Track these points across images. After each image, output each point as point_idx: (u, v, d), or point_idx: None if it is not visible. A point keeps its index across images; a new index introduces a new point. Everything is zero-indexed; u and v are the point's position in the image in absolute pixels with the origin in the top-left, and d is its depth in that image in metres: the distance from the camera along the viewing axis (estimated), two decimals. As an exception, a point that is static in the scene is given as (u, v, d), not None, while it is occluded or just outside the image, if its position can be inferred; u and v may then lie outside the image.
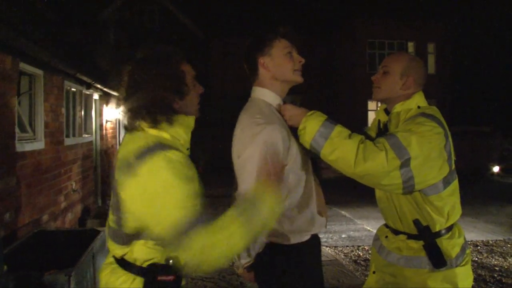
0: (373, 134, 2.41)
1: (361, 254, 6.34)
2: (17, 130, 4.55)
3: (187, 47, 21.16)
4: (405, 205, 2.18)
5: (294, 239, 1.99)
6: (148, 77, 1.65)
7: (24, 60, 4.67)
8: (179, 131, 1.69)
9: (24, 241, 3.98)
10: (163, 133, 1.67)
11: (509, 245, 6.75)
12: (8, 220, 4.19)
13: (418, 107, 2.21)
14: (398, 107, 2.25)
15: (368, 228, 8.00)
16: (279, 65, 2.04)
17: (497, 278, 5.26)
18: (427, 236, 2.14)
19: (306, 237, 2.02)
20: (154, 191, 1.53)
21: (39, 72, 5.23)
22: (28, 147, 4.84)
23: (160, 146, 1.61)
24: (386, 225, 2.38)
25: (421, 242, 2.15)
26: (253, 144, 1.86)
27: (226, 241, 1.53)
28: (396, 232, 2.28)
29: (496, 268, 5.67)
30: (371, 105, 22.11)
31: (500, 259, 6.07)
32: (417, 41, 22.42)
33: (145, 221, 1.58)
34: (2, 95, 4.13)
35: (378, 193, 2.37)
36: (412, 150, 1.95)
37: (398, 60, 2.31)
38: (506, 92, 24.68)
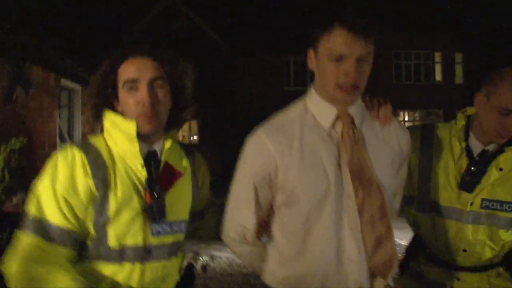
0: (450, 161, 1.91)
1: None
2: (58, 140, 4.97)
3: (213, 62, 21.82)
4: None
5: None
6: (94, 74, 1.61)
7: (65, 77, 5.11)
8: (117, 134, 1.52)
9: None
10: (107, 130, 1.56)
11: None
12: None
13: None
14: None
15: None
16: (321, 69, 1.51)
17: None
18: None
19: None
20: None
21: (78, 87, 5.67)
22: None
23: (80, 142, 1.63)
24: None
25: None
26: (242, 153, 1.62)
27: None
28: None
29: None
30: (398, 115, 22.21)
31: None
32: (444, 51, 22.40)
33: None
34: (46, 109, 4.54)
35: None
36: None
37: None
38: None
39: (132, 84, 1.51)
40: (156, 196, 1.50)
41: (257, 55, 21.63)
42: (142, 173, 1.51)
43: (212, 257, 5.99)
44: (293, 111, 1.59)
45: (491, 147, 1.86)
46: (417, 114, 23.47)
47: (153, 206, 1.50)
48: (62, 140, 5.37)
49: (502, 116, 1.75)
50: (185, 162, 1.68)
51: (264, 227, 1.64)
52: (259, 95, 21.49)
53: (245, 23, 22.45)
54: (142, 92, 1.49)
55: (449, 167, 1.89)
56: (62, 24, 6.86)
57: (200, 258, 5.96)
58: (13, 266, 1.40)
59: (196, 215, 1.80)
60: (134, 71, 1.51)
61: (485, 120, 1.82)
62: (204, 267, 5.60)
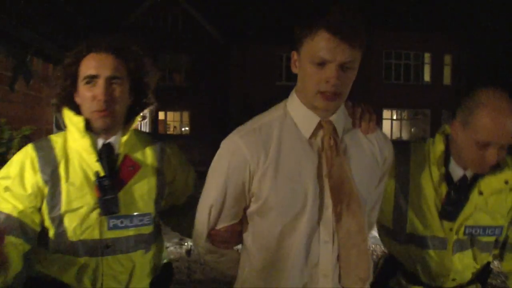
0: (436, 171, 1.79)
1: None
2: (54, 128, 5.25)
3: (207, 54, 21.96)
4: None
5: None
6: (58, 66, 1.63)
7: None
8: (72, 130, 1.56)
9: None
10: (68, 126, 1.60)
11: None
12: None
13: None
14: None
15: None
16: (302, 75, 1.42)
17: None
18: None
19: None
20: None
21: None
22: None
23: (41, 139, 1.63)
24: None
25: None
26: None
27: None
28: None
29: None
30: (386, 113, 22.56)
31: None
32: (433, 52, 22.71)
33: None
34: (45, 98, 4.83)
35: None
36: None
37: None
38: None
39: (91, 79, 1.51)
40: (107, 190, 1.49)
41: (250, 49, 21.81)
42: (96, 167, 1.52)
43: (196, 243, 6.19)
44: (272, 115, 1.49)
45: (470, 172, 1.73)
46: (405, 113, 23.76)
47: (104, 200, 1.49)
48: (58, 128, 5.69)
49: (480, 149, 1.60)
50: (149, 155, 1.65)
51: (237, 235, 1.54)
52: (252, 89, 21.68)
53: (240, 16, 22.61)
54: (99, 88, 1.50)
55: (427, 195, 1.75)
56: (61, 16, 6.99)
57: (185, 243, 6.26)
58: None
59: (175, 209, 1.79)
60: (94, 67, 1.52)
61: (463, 150, 1.68)
62: (189, 252, 5.88)
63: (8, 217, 1.47)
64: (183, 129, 24.11)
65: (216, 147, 1.51)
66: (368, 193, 1.49)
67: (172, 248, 6.37)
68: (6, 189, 1.49)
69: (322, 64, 1.32)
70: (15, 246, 1.44)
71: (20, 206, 1.48)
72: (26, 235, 1.48)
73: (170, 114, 23.94)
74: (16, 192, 1.49)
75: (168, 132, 23.53)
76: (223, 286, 4.80)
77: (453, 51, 22.73)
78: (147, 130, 18.22)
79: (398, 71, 22.87)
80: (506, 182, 1.72)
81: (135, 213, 1.57)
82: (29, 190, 1.49)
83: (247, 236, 1.51)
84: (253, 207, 1.47)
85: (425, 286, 1.82)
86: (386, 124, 22.23)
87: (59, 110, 1.59)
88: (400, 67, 22.86)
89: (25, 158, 1.52)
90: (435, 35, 22.08)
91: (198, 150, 22.24)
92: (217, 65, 22.11)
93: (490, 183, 1.72)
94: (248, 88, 22.08)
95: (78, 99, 1.55)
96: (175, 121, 24.51)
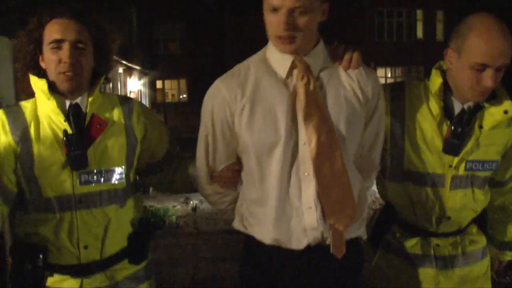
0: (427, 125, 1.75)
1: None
2: None
3: (202, 22, 22.00)
4: None
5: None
6: (22, 31, 1.64)
7: None
8: (38, 94, 1.62)
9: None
10: (35, 90, 1.64)
11: None
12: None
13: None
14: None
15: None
16: None
17: None
18: None
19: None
20: None
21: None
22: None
23: (11, 105, 1.68)
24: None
25: None
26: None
27: None
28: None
29: None
30: (380, 71, 22.56)
31: None
32: (425, 8, 22.65)
33: None
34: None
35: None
36: None
37: None
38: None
39: (57, 44, 1.55)
40: (74, 146, 1.54)
41: (244, 14, 21.91)
42: (64, 126, 1.57)
43: (201, 200, 6.56)
44: (252, 59, 1.60)
45: (469, 105, 1.70)
46: (399, 71, 23.90)
47: (73, 155, 1.54)
48: None
49: (476, 73, 1.57)
50: (117, 113, 1.69)
51: (237, 174, 1.63)
52: (246, 53, 21.80)
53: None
54: (65, 52, 1.54)
55: (427, 130, 1.72)
56: None
57: (191, 201, 6.83)
58: None
59: (154, 165, 1.83)
60: (59, 32, 1.56)
61: (459, 78, 1.65)
62: (194, 208, 6.41)
63: None
64: (181, 96, 24.23)
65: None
66: (350, 130, 1.51)
67: (179, 207, 6.88)
68: None
69: (275, 10, 1.41)
70: None
71: None
72: (4, 195, 1.56)
73: (167, 82, 24.01)
74: None
75: (166, 100, 23.60)
76: (226, 235, 5.25)
77: (445, 6, 22.73)
78: (146, 99, 18.55)
79: (391, 29, 22.92)
80: (506, 112, 1.68)
81: (107, 168, 1.62)
82: (2, 151, 1.54)
83: (241, 174, 1.61)
84: (238, 145, 1.56)
85: (421, 234, 1.80)
86: (380, 82, 22.58)
87: (24, 75, 1.63)
88: (393, 25, 22.91)
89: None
90: None
91: (197, 116, 22.61)
92: (212, 32, 22.13)
93: (489, 114, 1.69)
94: (243, 53, 22.07)
95: (43, 63, 1.60)
96: (172, 89, 24.55)
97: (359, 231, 1.60)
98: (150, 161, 1.81)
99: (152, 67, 14.90)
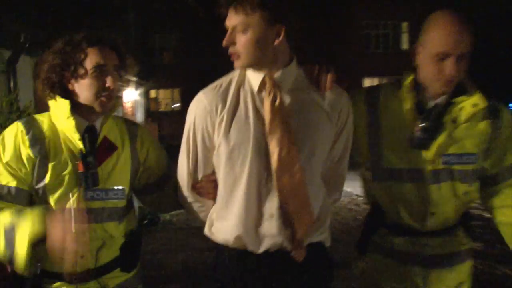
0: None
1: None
2: None
3: (195, 29, 22.22)
4: None
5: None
6: (49, 52, 1.67)
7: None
8: (57, 112, 1.65)
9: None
10: (51, 108, 1.68)
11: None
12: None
13: None
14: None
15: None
16: None
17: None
18: None
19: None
20: None
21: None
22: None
23: (27, 117, 1.71)
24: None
25: None
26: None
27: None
28: None
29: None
30: (367, 82, 22.92)
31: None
32: (410, 21, 22.94)
33: None
34: None
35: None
36: None
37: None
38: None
39: (100, 69, 1.60)
40: (89, 165, 1.61)
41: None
42: (79, 145, 1.62)
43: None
44: (234, 74, 1.66)
45: (441, 100, 1.76)
46: (385, 81, 24.23)
47: (86, 174, 1.60)
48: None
49: (439, 62, 1.65)
50: (125, 137, 1.76)
51: (216, 187, 1.67)
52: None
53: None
54: (110, 78, 1.62)
55: (400, 127, 1.78)
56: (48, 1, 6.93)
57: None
58: None
59: (150, 186, 1.88)
60: (103, 58, 1.61)
61: (425, 71, 1.72)
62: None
63: (18, 190, 1.61)
64: (174, 105, 24.35)
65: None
66: (316, 147, 1.58)
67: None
68: (7, 164, 1.60)
69: (227, 29, 1.56)
70: None
71: (21, 177, 1.61)
72: (27, 203, 1.63)
73: (161, 92, 24.13)
74: (15, 166, 1.60)
75: (160, 109, 23.68)
76: None
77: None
78: (141, 109, 18.98)
79: (377, 40, 23.44)
80: (475, 105, 1.73)
81: (111, 187, 1.68)
82: (24, 161, 1.60)
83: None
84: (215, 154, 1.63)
85: (408, 234, 1.83)
86: None
87: (49, 94, 1.66)
88: (379, 36, 23.44)
89: (16, 135, 1.61)
90: (411, 5, 22.54)
91: None
92: (205, 43, 22.62)
93: (461, 108, 1.74)
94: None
95: (71, 85, 1.64)
96: (166, 98, 24.66)
97: (321, 236, 1.67)
98: (147, 182, 1.87)
99: (148, 78, 15.31)
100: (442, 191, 1.77)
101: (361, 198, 7.71)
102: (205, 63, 22.61)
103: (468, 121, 1.75)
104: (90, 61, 1.61)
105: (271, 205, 1.57)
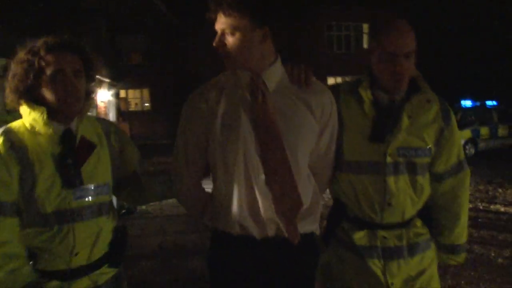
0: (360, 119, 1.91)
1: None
2: None
3: (163, 31, 22.33)
4: None
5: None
6: (13, 61, 1.66)
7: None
8: (31, 119, 1.64)
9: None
10: (24, 115, 1.66)
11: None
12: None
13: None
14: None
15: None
16: None
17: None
18: None
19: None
20: None
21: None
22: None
23: (4, 127, 1.67)
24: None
25: None
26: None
27: None
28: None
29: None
30: (330, 80, 23.30)
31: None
32: (370, 23, 23.43)
33: None
34: None
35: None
36: None
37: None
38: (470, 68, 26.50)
39: (58, 74, 1.59)
40: (70, 167, 1.63)
41: (204, 28, 22.10)
42: (58, 149, 1.63)
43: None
44: (224, 74, 1.75)
45: (398, 97, 1.84)
46: (348, 79, 24.46)
47: (70, 175, 1.62)
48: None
49: (389, 62, 1.76)
50: (101, 134, 1.78)
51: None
52: (209, 63, 22.14)
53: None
54: (68, 81, 1.60)
55: (360, 122, 1.85)
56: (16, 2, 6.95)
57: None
58: None
59: (122, 180, 1.91)
60: (59, 63, 1.60)
61: (378, 70, 1.81)
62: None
63: (7, 204, 1.60)
64: (144, 105, 24.47)
65: (176, 120, 1.77)
66: (299, 140, 1.65)
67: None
68: None
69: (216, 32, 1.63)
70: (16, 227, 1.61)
71: (11, 190, 1.60)
72: (19, 214, 1.63)
73: (131, 92, 24.05)
74: (3, 178, 1.59)
75: (130, 109, 23.61)
76: (187, 217, 6.25)
77: None
78: (113, 109, 19.11)
79: (340, 41, 24.15)
80: (428, 101, 1.87)
81: (94, 184, 1.71)
82: (12, 172, 1.59)
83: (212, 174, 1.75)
84: (209, 147, 1.71)
85: (368, 226, 1.88)
86: None
87: (18, 102, 1.65)
88: (341, 37, 24.15)
89: (1, 149, 1.59)
90: (372, 8, 23.07)
91: (159, 124, 22.86)
92: (173, 45, 22.60)
93: (415, 104, 1.83)
94: (206, 62, 22.73)
95: (42, 91, 1.62)
96: (136, 98, 24.63)
97: (312, 226, 1.74)
98: (121, 177, 1.90)
99: (119, 78, 15.51)
100: (399, 183, 1.83)
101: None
102: (173, 64, 22.86)
103: (421, 116, 1.86)
104: (49, 67, 1.61)
105: (261, 195, 1.63)
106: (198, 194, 1.82)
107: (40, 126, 1.63)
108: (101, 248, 1.74)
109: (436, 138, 1.88)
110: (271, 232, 1.64)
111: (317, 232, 1.79)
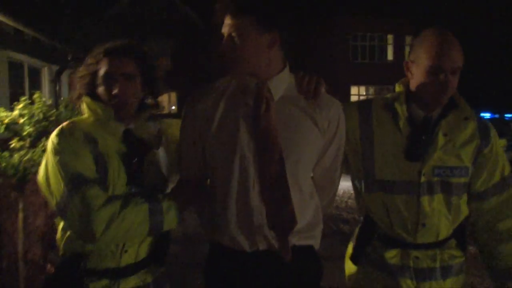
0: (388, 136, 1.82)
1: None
2: None
3: (190, 36, 22.83)
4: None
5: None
6: (82, 65, 1.73)
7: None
8: (94, 117, 1.66)
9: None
10: (89, 112, 1.68)
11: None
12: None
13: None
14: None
15: None
16: None
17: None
18: None
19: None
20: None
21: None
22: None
23: (70, 122, 1.67)
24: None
25: None
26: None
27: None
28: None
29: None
30: (354, 90, 23.95)
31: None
32: (395, 34, 24.08)
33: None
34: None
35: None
36: None
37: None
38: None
39: (107, 76, 1.62)
40: (135, 166, 1.64)
41: None
42: (121, 147, 1.65)
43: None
44: (227, 79, 1.66)
45: (434, 114, 1.75)
46: (371, 89, 25.05)
47: (134, 174, 1.64)
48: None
49: (432, 77, 1.66)
50: (155, 133, 1.78)
51: None
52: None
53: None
54: (115, 85, 1.62)
55: (393, 139, 1.76)
56: (48, 9, 7.36)
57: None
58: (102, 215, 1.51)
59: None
60: (110, 67, 1.63)
61: (418, 86, 1.72)
62: None
63: (96, 179, 1.57)
64: (171, 108, 24.97)
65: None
66: (301, 153, 1.57)
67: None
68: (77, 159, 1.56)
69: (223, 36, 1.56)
70: None
71: (93, 171, 1.57)
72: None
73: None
74: (86, 161, 1.57)
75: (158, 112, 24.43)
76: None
77: (413, 32, 23.43)
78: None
79: (364, 51, 24.19)
80: (466, 118, 1.76)
81: (152, 184, 1.71)
82: (88, 161, 1.58)
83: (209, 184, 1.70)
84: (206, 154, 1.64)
85: (400, 246, 1.79)
86: (354, 100, 23.77)
87: (82, 100, 1.69)
88: (366, 48, 24.19)
89: (70, 138, 1.59)
90: (397, 19, 23.58)
91: None
92: (199, 49, 23.03)
93: (452, 122, 1.74)
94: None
95: (99, 92, 1.66)
96: (163, 101, 24.08)
97: (310, 241, 1.64)
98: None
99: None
100: (434, 203, 1.74)
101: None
102: (199, 69, 23.21)
103: (459, 134, 1.76)
104: (101, 70, 1.65)
105: (255, 198, 1.56)
106: (198, 165, 1.74)
107: (103, 123, 1.66)
108: (147, 246, 1.72)
109: (474, 157, 1.78)
110: (262, 246, 1.57)
111: (317, 246, 1.69)
